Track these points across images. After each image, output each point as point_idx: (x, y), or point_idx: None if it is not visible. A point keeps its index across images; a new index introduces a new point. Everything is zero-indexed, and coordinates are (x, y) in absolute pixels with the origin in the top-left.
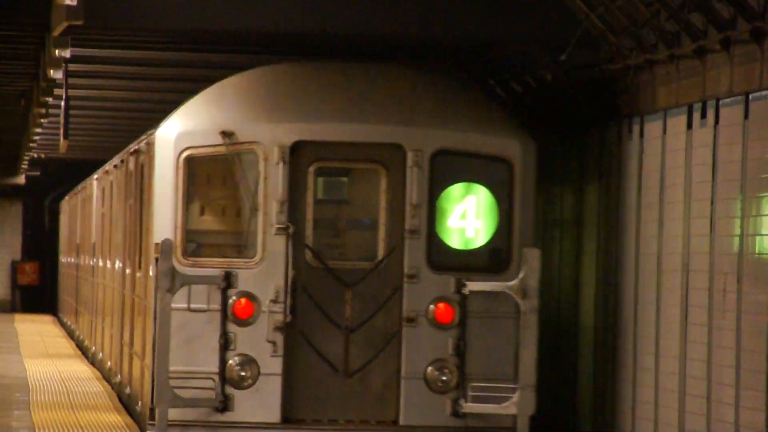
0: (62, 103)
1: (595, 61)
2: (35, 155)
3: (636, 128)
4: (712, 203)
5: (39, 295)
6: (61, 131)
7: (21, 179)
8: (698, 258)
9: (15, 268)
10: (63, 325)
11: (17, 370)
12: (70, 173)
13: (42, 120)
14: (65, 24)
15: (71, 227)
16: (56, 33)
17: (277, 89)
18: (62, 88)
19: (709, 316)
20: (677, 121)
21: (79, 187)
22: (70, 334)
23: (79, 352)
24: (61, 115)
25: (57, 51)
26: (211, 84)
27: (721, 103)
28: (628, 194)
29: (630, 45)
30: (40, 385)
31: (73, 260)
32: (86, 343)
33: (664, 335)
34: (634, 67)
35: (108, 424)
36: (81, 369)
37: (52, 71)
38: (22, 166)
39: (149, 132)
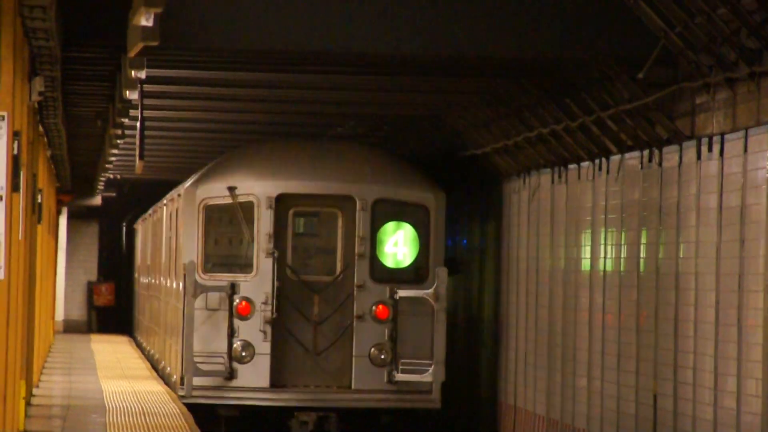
0: (138, 124)
1: (674, 78)
2: (111, 176)
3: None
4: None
5: (114, 315)
6: (137, 152)
7: (97, 200)
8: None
9: (91, 289)
10: (138, 345)
11: (94, 390)
12: (145, 194)
13: (118, 141)
14: (141, 45)
15: (146, 248)
16: (132, 54)
17: (267, 158)
18: (138, 108)
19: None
20: (760, 139)
21: (152, 209)
22: (145, 354)
23: (155, 373)
24: (137, 136)
25: (133, 72)
26: (286, 102)
27: None
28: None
29: (709, 62)
30: (116, 406)
31: (146, 280)
32: (162, 364)
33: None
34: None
35: None
36: (156, 390)
37: (127, 92)
38: (98, 187)
39: (180, 186)
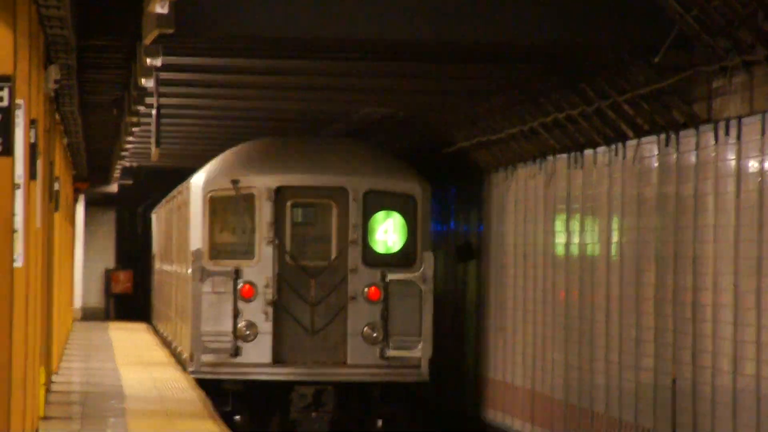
0: (154, 112)
1: (689, 62)
2: (127, 164)
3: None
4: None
5: (132, 303)
6: (153, 139)
7: (114, 188)
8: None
9: (109, 277)
10: (156, 332)
11: (112, 377)
12: (161, 181)
13: (134, 129)
14: (156, 32)
15: (161, 236)
16: (147, 42)
17: (266, 153)
18: (153, 96)
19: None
20: None
21: (168, 197)
22: (163, 341)
23: (173, 360)
24: (153, 124)
25: (148, 60)
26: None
27: None
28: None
29: (726, 45)
30: (134, 393)
31: (164, 267)
32: (174, 344)
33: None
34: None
35: None
36: (174, 376)
37: (143, 80)
38: (115, 175)
39: (187, 180)
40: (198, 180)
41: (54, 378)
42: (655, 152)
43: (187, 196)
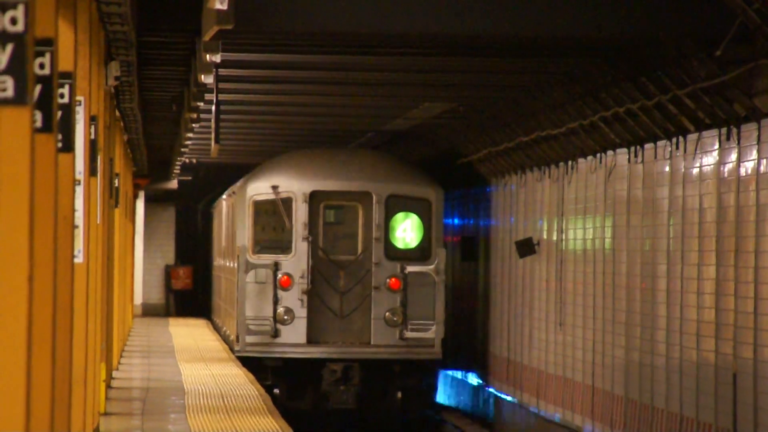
0: (213, 108)
1: (751, 55)
2: (187, 160)
3: None
4: None
5: (192, 299)
6: (213, 135)
7: (173, 184)
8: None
9: (168, 273)
10: (215, 328)
11: (173, 373)
12: (221, 177)
13: (193, 125)
14: (216, 29)
15: (220, 232)
16: (207, 38)
17: (302, 163)
18: (213, 92)
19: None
20: None
21: (224, 195)
22: (222, 337)
23: (233, 356)
24: (212, 120)
25: (207, 56)
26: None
27: None
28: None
29: None
30: (195, 389)
31: (221, 263)
32: (224, 329)
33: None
34: None
35: (263, 429)
36: (234, 372)
37: (202, 76)
38: (175, 171)
39: (236, 184)
40: (243, 185)
41: (114, 374)
42: (716, 146)
43: (235, 199)
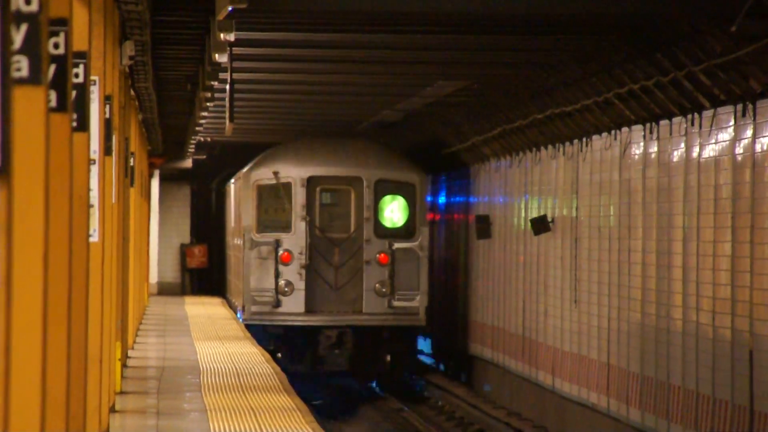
0: (227, 87)
1: (767, 31)
2: (201, 139)
3: None
4: None
5: (208, 277)
6: (227, 114)
7: (188, 163)
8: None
9: (184, 252)
10: (231, 306)
11: (188, 352)
12: (235, 156)
13: (208, 104)
14: (229, 7)
15: (232, 212)
16: (220, 17)
17: (300, 150)
18: (227, 71)
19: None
20: None
21: (234, 177)
22: (232, 308)
23: (248, 334)
24: (227, 99)
25: (222, 35)
26: (375, 63)
27: None
28: None
29: None
30: (210, 368)
31: (238, 241)
32: (232, 300)
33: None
34: None
35: (279, 407)
36: (250, 351)
37: (217, 55)
38: (189, 150)
39: (242, 171)
40: (248, 171)
41: (130, 353)
42: (731, 122)
43: (241, 183)
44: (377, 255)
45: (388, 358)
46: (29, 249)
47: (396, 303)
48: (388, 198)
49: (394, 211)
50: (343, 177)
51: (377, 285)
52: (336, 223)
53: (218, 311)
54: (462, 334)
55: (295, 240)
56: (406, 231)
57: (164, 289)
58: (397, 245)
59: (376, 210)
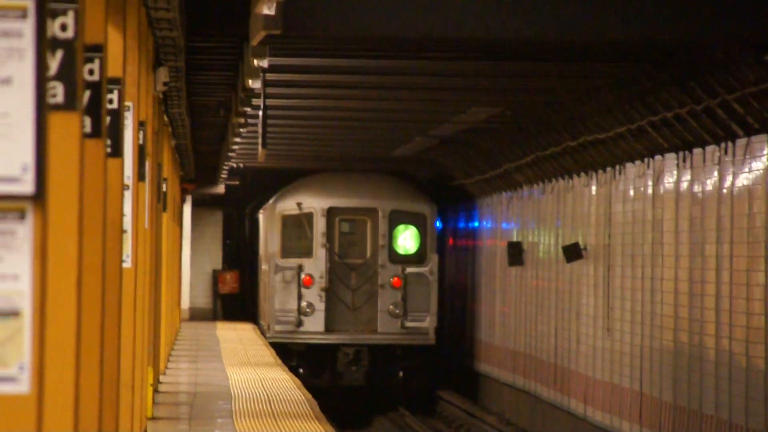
0: (260, 113)
1: None
2: (234, 165)
3: None
4: None
5: (239, 303)
6: (260, 140)
7: (221, 189)
8: None
9: (216, 277)
10: (262, 332)
11: (219, 378)
12: (268, 182)
13: (241, 130)
14: (263, 33)
15: (261, 239)
16: (254, 43)
17: (322, 184)
18: (260, 97)
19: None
20: None
21: (262, 208)
22: (261, 330)
23: (279, 361)
24: (260, 125)
25: (255, 61)
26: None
27: None
28: None
29: None
30: (242, 393)
31: (264, 268)
32: (260, 321)
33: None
34: None
35: None
36: (281, 377)
37: (250, 81)
38: (222, 176)
39: (269, 202)
40: (273, 203)
41: (162, 378)
42: (765, 151)
43: (268, 213)
44: (391, 279)
45: (401, 374)
46: (63, 274)
47: (408, 323)
48: (401, 227)
49: (406, 239)
50: (360, 208)
51: (391, 306)
52: (353, 249)
53: (250, 337)
54: (478, 356)
55: (316, 265)
56: (418, 257)
57: (196, 315)
58: (409, 270)
59: (390, 238)
